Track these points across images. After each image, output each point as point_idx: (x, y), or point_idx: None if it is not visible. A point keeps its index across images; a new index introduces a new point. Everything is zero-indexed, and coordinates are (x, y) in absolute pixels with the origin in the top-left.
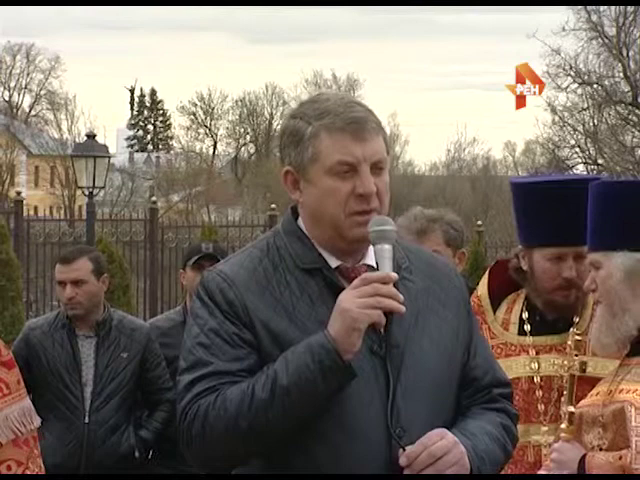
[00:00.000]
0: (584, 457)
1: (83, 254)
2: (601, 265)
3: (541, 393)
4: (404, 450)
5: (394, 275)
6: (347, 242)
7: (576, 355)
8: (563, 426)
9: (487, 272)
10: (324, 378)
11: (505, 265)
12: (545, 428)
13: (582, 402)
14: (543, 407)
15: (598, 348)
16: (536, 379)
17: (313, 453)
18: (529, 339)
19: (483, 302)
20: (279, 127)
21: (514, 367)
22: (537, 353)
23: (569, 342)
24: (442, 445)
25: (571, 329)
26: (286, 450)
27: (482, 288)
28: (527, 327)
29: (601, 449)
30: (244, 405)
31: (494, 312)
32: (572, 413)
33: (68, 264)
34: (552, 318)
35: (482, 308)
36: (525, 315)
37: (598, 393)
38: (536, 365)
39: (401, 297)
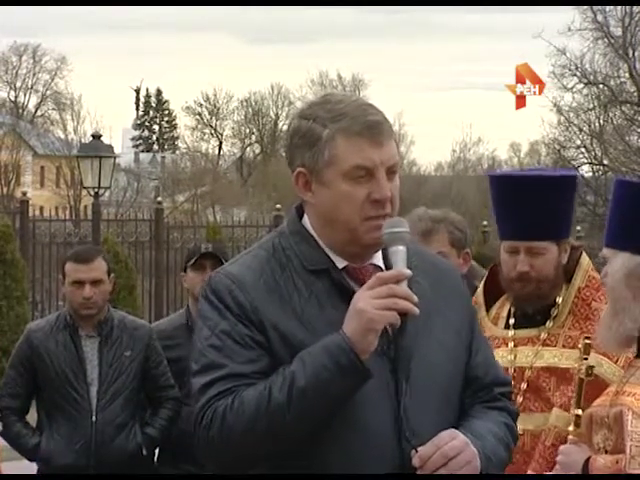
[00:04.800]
0: (588, 459)
1: (99, 253)
2: (608, 262)
3: (513, 384)
4: (416, 451)
5: (408, 272)
6: (361, 246)
7: (585, 359)
8: (570, 429)
9: (488, 271)
10: (342, 378)
11: None
12: None
13: (595, 401)
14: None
15: (601, 343)
16: (510, 370)
17: (323, 453)
18: (511, 332)
19: (478, 299)
20: (285, 127)
21: None
22: (515, 345)
23: (578, 345)
24: (454, 445)
25: (547, 322)
26: (297, 450)
27: (480, 286)
28: (512, 321)
29: (606, 451)
30: (262, 407)
31: (489, 308)
32: (578, 416)
33: (87, 263)
34: (531, 311)
35: (477, 305)
36: (513, 309)
37: (608, 393)
38: (512, 357)
39: (415, 298)
